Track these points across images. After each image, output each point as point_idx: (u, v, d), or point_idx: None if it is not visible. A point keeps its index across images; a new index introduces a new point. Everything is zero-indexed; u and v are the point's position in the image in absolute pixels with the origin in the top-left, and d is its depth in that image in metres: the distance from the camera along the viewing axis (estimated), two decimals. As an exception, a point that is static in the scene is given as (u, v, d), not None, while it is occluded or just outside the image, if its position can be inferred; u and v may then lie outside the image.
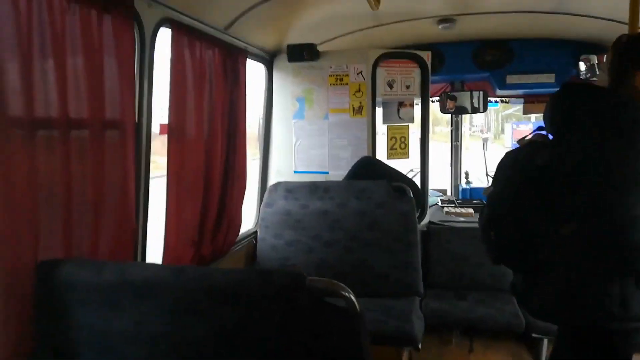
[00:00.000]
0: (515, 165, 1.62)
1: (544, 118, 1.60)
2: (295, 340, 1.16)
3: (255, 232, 2.94)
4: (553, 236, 1.47)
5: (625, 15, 1.84)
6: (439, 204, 3.87)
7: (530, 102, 3.99)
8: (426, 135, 3.28)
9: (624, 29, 1.63)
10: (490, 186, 1.74)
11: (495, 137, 21.66)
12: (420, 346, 2.30)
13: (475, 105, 4.05)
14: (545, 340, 2.61)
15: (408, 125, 3.30)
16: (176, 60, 1.93)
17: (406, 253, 2.73)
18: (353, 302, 1.14)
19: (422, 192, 3.26)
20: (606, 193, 1.35)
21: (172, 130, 1.94)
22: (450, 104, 4.10)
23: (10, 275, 1.24)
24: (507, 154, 1.69)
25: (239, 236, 2.79)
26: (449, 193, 4.50)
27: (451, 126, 4.47)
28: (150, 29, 1.77)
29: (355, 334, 1.17)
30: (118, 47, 1.59)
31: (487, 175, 4.58)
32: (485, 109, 4.05)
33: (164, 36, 1.89)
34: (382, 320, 2.34)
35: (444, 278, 3.09)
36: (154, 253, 2.03)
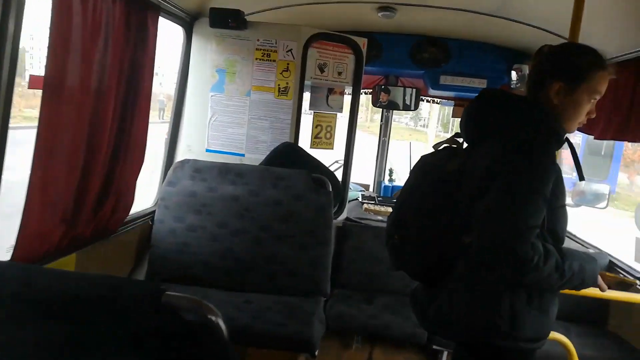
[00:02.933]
0: (427, 168, 1.59)
1: (460, 124, 1.56)
2: None
3: (153, 212, 2.63)
4: (455, 245, 1.42)
5: (563, 28, 1.76)
6: (360, 199, 3.77)
7: (460, 106, 3.98)
8: (353, 127, 3.12)
9: (561, 42, 1.55)
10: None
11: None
12: (317, 352, 2.16)
13: (407, 102, 3.97)
14: (445, 353, 2.59)
15: (336, 115, 3.12)
16: (59, 4, 1.57)
17: (318, 250, 2.57)
18: (221, 330, 0.92)
19: (342, 187, 3.11)
20: (505, 200, 1.29)
21: (47, 85, 1.59)
22: (383, 96, 3.99)
23: None
24: (422, 157, 1.65)
25: (131, 215, 2.47)
26: (371, 189, 4.42)
27: (381, 120, 4.36)
28: None
29: None
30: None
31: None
32: (416, 107, 3.98)
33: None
34: (282, 323, 2.17)
35: (355, 279, 2.98)
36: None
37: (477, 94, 1.53)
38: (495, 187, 1.31)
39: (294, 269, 2.54)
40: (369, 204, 3.59)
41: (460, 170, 1.46)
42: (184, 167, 2.60)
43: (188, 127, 2.88)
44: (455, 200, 1.44)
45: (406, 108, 4.01)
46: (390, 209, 3.50)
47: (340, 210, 3.13)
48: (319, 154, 2.99)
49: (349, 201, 3.89)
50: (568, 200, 1.58)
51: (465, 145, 1.59)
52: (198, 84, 2.84)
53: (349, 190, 4.05)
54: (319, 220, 2.59)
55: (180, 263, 2.52)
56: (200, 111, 2.86)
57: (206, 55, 2.81)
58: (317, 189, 2.62)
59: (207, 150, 2.90)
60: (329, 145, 3.12)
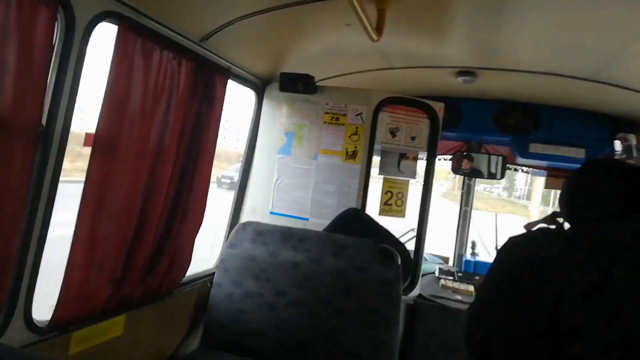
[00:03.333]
0: (518, 253, 1.30)
1: (560, 200, 1.31)
2: None
3: (213, 274, 2.55)
4: (556, 356, 1.08)
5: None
6: (436, 273, 3.40)
7: (554, 176, 3.55)
8: (428, 194, 2.86)
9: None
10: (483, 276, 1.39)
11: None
12: None
13: (492, 170, 3.64)
14: None
15: (408, 181, 2.90)
16: (118, 61, 1.62)
17: (383, 331, 2.28)
18: None
19: (413, 260, 2.82)
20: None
21: (98, 141, 1.61)
22: (466, 164, 3.71)
23: None
24: (510, 239, 1.37)
25: (189, 276, 2.42)
26: (450, 263, 4.01)
27: (462, 189, 4.03)
28: (84, 21, 1.48)
29: None
30: (31, 36, 1.29)
31: (496, 249, 4.08)
32: (502, 176, 3.63)
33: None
34: None
35: None
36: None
37: (575, 164, 1.25)
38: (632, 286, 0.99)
39: (355, 351, 2.26)
40: (447, 280, 3.21)
41: (564, 258, 1.15)
42: (245, 229, 2.53)
43: (254, 188, 2.84)
44: (557, 296, 1.11)
45: (491, 177, 3.67)
46: (471, 288, 3.09)
47: (411, 286, 2.81)
48: (389, 223, 2.77)
49: (424, 275, 3.55)
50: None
51: (567, 225, 1.31)
52: (266, 146, 2.83)
53: (424, 262, 3.72)
54: (384, 297, 2.32)
55: (235, 331, 2.38)
56: (266, 173, 2.82)
57: (275, 118, 2.81)
58: (383, 261, 2.38)
59: (271, 213, 2.81)
60: (400, 213, 2.88)
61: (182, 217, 2.15)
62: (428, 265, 3.60)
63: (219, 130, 2.32)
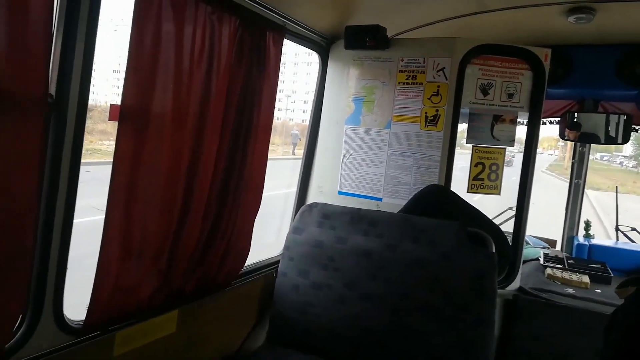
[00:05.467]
0: None
1: None
2: None
3: (278, 262, 2.29)
4: None
5: None
6: (541, 260, 2.85)
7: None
8: (530, 166, 2.34)
9: None
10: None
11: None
12: None
13: (612, 133, 2.95)
14: None
15: (504, 149, 2.39)
16: (141, 14, 1.35)
17: (474, 331, 1.89)
18: None
19: (512, 245, 2.33)
20: None
21: (126, 114, 1.37)
22: (573, 134, 3.06)
23: None
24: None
25: (251, 265, 2.18)
26: (558, 247, 3.39)
27: (573, 157, 3.36)
28: None
29: None
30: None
31: (616, 230, 3.37)
32: (626, 140, 2.93)
33: None
34: None
35: None
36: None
37: None
38: None
39: (440, 355, 1.89)
40: (555, 269, 2.66)
41: None
42: (311, 212, 2.22)
43: (320, 165, 2.52)
44: None
45: (610, 141, 2.98)
46: (586, 279, 2.52)
47: (510, 277, 2.34)
48: (481, 203, 2.31)
49: (525, 261, 3.02)
50: None
51: None
52: (332, 116, 2.47)
53: (526, 246, 3.17)
54: (476, 290, 1.92)
55: (303, 327, 2.11)
56: (333, 147, 2.48)
57: (342, 82, 2.43)
58: (473, 248, 1.95)
59: (340, 193, 2.48)
60: (495, 189, 2.39)
61: (236, 198, 1.88)
62: (530, 251, 3.05)
63: (276, 99, 2.01)
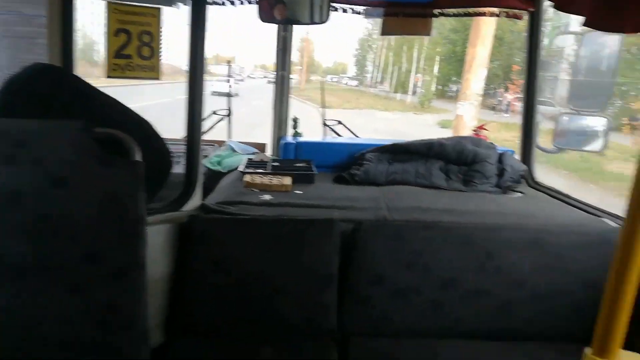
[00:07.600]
0: None
1: None
2: None
3: None
4: None
5: None
6: (240, 167, 2.33)
7: (393, 15, 2.61)
8: (199, 38, 1.63)
9: None
10: None
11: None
12: None
13: (316, 11, 2.52)
14: None
15: (159, 10, 1.62)
16: None
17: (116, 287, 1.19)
18: None
19: (187, 150, 1.65)
20: None
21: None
22: (279, 10, 2.51)
23: None
24: None
25: None
26: (268, 152, 2.98)
27: (277, 45, 2.88)
28: None
29: None
30: None
31: (324, 125, 3.15)
32: (326, 19, 2.54)
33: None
34: None
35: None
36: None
37: None
38: None
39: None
40: (254, 175, 2.16)
41: None
42: None
43: None
44: None
45: (315, 20, 2.56)
46: (288, 181, 2.11)
47: (187, 195, 1.68)
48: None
49: (228, 172, 2.48)
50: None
51: None
52: None
53: (230, 154, 2.63)
54: (110, 224, 1.20)
55: None
56: None
57: None
58: (106, 159, 1.19)
59: None
60: (151, 72, 1.62)
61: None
62: (232, 159, 2.51)
63: None
